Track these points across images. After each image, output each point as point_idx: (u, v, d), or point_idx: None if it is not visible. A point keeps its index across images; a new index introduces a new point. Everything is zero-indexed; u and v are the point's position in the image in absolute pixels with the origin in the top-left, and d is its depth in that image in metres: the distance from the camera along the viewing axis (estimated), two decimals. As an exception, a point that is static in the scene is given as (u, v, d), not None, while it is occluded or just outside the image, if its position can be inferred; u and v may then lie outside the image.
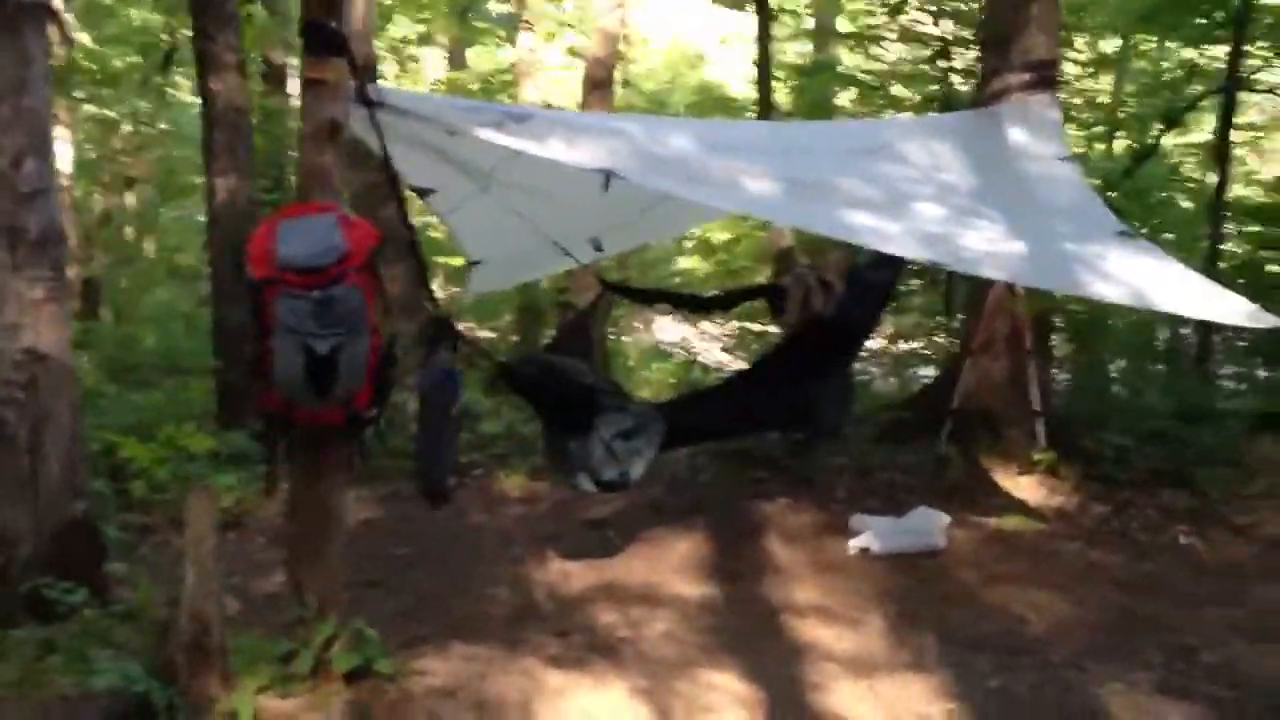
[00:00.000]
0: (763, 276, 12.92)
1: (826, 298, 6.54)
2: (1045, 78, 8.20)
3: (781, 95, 15.60)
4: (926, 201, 5.67)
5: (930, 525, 6.66)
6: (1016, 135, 6.89)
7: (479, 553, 6.81)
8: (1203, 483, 7.60)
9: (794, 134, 6.83)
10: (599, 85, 12.06)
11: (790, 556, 6.61)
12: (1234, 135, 11.98)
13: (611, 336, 13.55)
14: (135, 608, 4.95)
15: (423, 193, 5.53)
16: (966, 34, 13.39)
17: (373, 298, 4.10)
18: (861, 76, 14.58)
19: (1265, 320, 4.65)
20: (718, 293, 8.71)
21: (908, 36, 14.64)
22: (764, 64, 11.30)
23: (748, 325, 13.57)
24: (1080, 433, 8.22)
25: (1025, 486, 7.76)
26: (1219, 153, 11.28)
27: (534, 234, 6.28)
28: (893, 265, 6.78)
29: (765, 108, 11.18)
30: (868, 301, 6.60)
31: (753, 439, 7.78)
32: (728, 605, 5.86)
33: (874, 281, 6.56)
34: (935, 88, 14.82)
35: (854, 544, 6.61)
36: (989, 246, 5.20)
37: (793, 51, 17.99)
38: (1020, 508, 7.34)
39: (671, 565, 6.50)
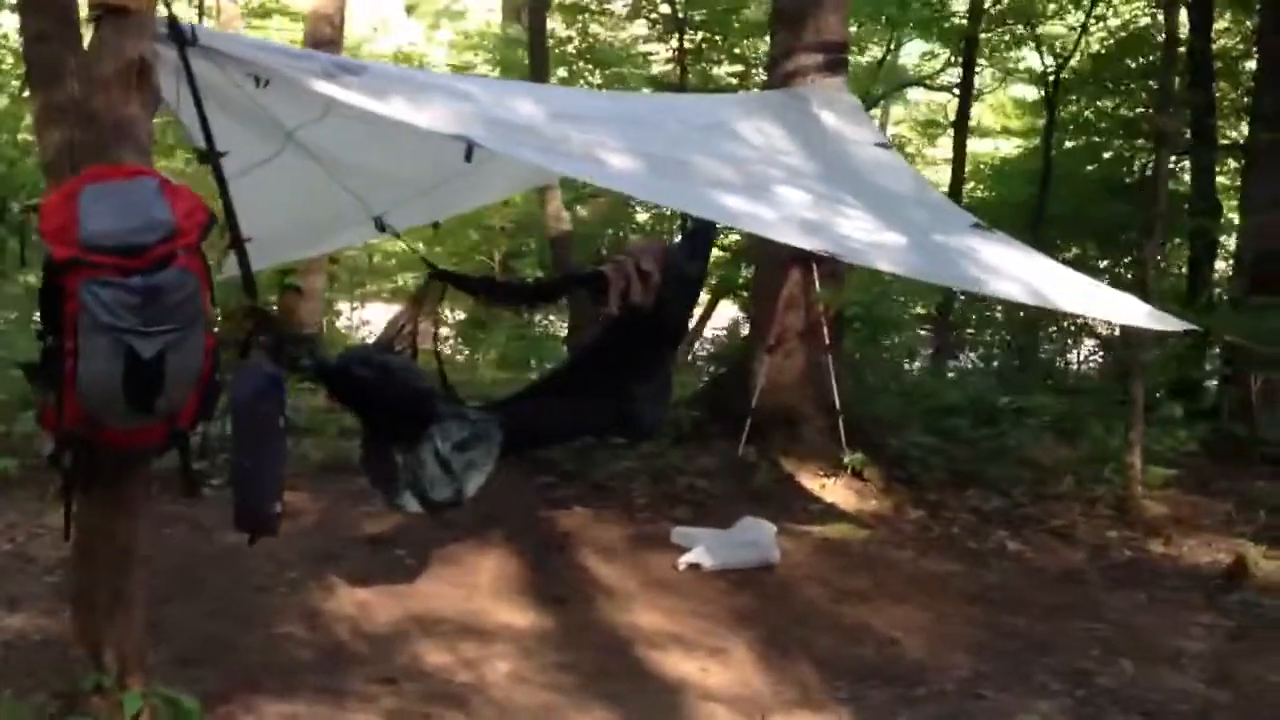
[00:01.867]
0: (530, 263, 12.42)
1: (645, 289, 6.12)
2: (838, 60, 8.21)
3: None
4: (783, 185, 5.34)
5: (761, 537, 6.38)
6: (828, 118, 6.71)
7: (247, 579, 5.90)
8: (1003, 483, 7.74)
9: (630, 106, 6.37)
10: (323, 44, 11.05)
11: (613, 575, 6.14)
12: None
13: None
14: None
15: (209, 156, 4.61)
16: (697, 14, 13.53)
17: (206, 285, 3.29)
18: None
19: (1167, 323, 4.61)
20: (542, 282, 8.08)
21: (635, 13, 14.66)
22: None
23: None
24: (878, 432, 8.19)
25: (834, 490, 7.67)
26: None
27: (320, 206, 5.48)
28: (704, 256, 6.52)
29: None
30: (684, 294, 6.30)
31: (573, 443, 7.22)
32: (568, 636, 5.31)
33: (690, 273, 6.28)
34: (668, 67, 14.90)
35: (684, 560, 6.22)
36: (869, 236, 4.94)
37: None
38: (838, 514, 7.22)
39: (483, 589, 5.88)
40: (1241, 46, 13.39)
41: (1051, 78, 12.95)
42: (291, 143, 4.71)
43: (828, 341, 8.11)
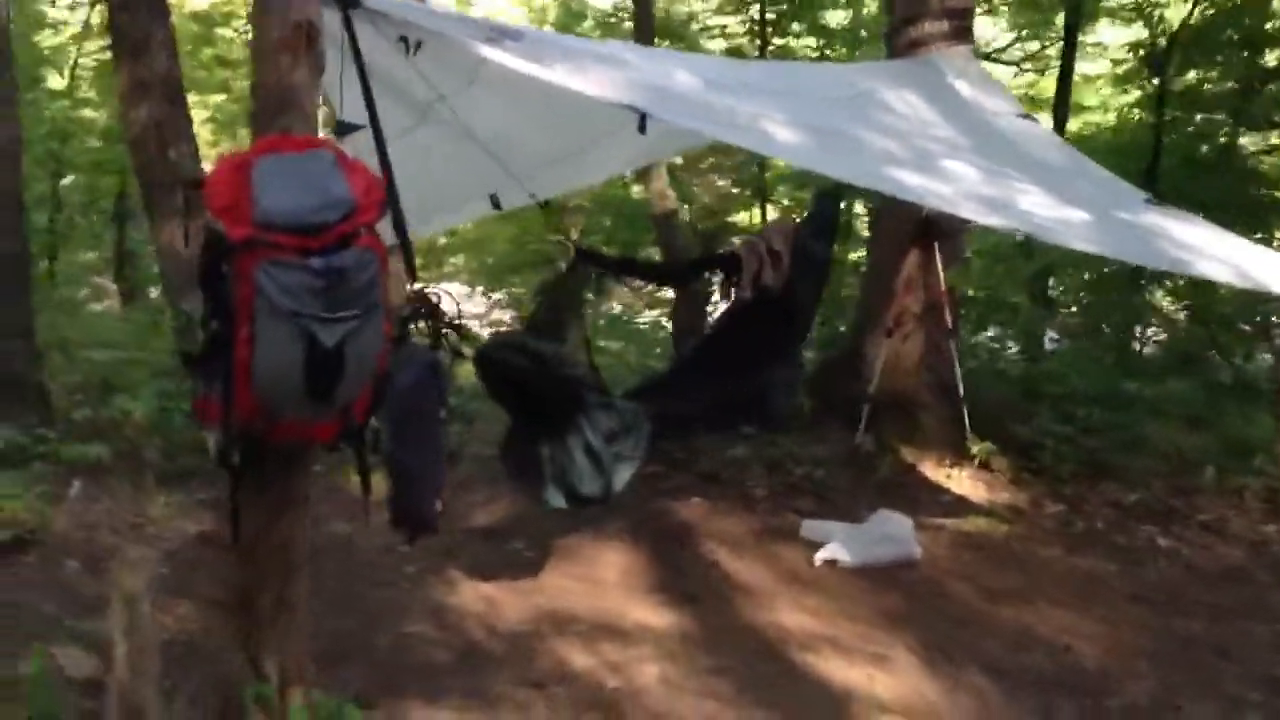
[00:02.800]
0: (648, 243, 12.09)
1: (776, 270, 5.82)
2: (963, 27, 7.81)
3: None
4: (947, 159, 5.01)
5: (900, 532, 6.08)
6: (964, 88, 6.35)
7: (366, 574, 5.71)
8: (1140, 474, 7.38)
9: (773, 74, 6.03)
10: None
11: (745, 571, 5.86)
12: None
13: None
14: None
15: (345, 129, 4.35)
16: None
17: (385, 267, 3.01)
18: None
19: None
20: (679, 263, 7.80)
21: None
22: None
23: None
24: (1003, 420, 7.83)
25: (961, 481, 7.34)
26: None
27: (444, 181, 5.22)
28: (829, 236, 6.22)
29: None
30: (812, 275, 5.99)
31: (710, 435, 6.92)
32: (711, 637, 5.03)
33: (817, 253, 5.99)
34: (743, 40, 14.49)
35: (821, 556, 5.93)
36: (1052, 213, 4.59)
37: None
38: (971, 507, 6.89)
39: (611, 585, 5.63)
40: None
41: (1160, 43, 12.39)
42: (432, 114, 4.46)
43: (950, 325, 7.75)
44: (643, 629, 5.07)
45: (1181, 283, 10.06)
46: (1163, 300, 10.77)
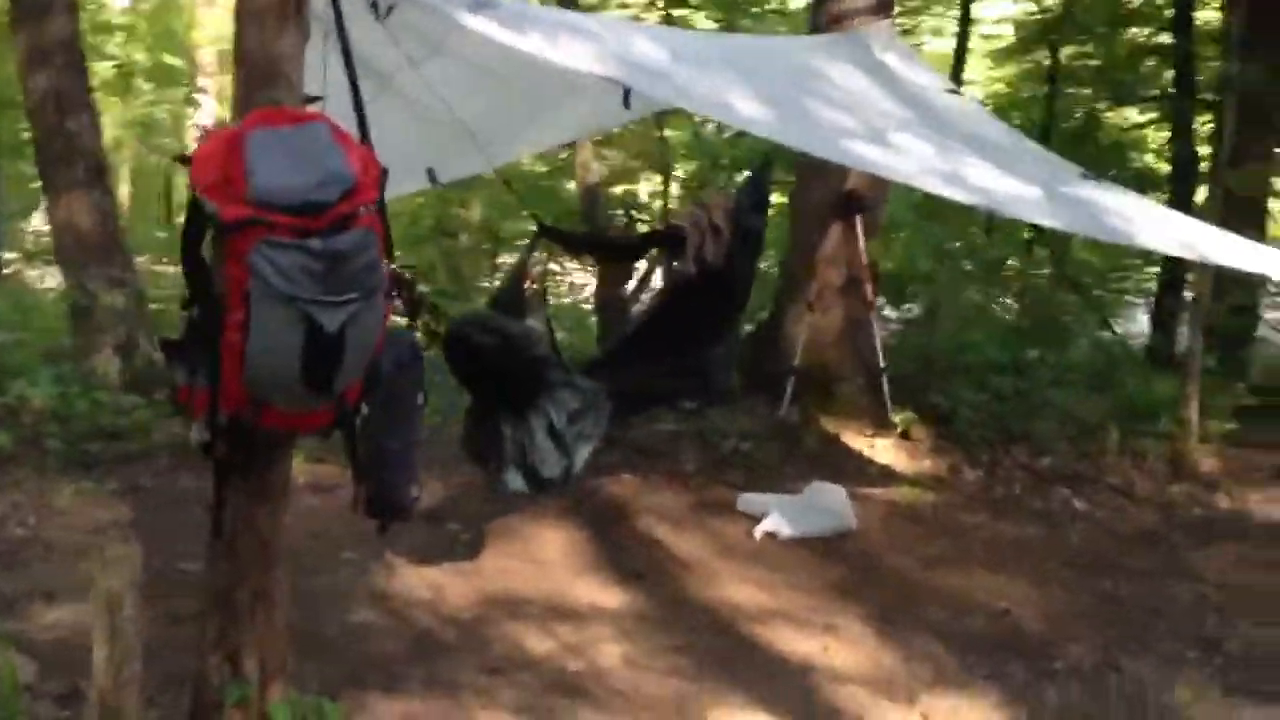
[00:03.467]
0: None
1: (717, 244, 5.84)
2: (885, 1, 7.90)
3: None
4: (896, 133, 5.07)
5: (837, 503, 6.19)
6: (893, 62, 6.41)
7: (300, 561, 5.48)
8: (1049, 439, 7.62)
9: (719, 46, 6.02)
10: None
11: (687, 546, 5.90)
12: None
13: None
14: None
15: (306, 100, 4.25)
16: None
17: (385, 247, 2.93)
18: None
19: None
20: (629, 239, 7.73)
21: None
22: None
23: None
24: (920, 390, 8.01)
25: (883, 451, 7.48)
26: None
27: (393, 155, 5.12)
28: (764, 208, 6.27)
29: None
30: (749, 248, 6.01)
31: (653, 410, 6.90)
32: (664, 614, 5.06)
33: (753, 226, 6.00)
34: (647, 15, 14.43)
35: (760, 529, 6.00)
36: (1005, 188, 4.70)
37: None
38: (896, 476, 7.05)
39: (554, 565, 5.61)
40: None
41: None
42: (390, 86, 4.38)
43: (870, 298, 7.88)
44: (595, 609, 5.07)
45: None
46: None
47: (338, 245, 2.68)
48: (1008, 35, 14.70)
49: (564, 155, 11.78)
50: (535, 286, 5.05)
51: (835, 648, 4.71)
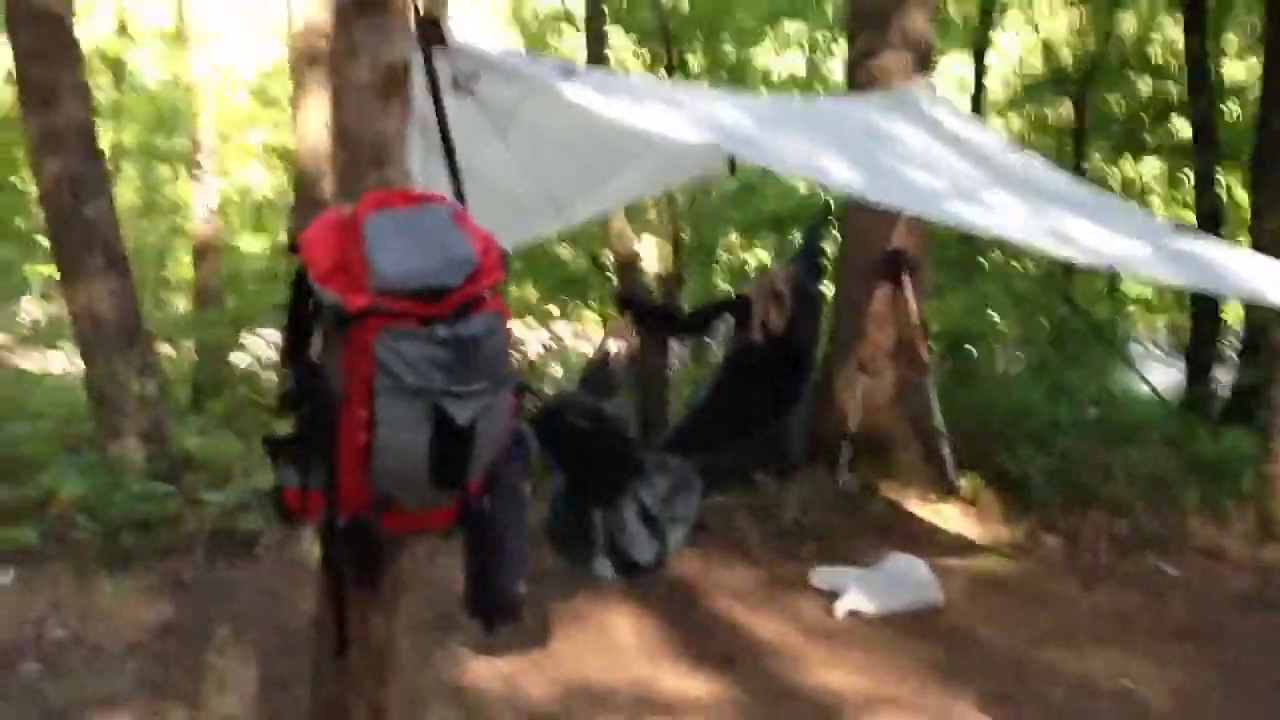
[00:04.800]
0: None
1: (780, 311, 5.61)
2: (925, 59, 7.76)
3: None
4: (987, 191, 4.86)
5: (921, 576, 5.88)
6: (948, 120, 6.23)
7: (361, 656, 5.20)
8: (1122, 501, 7.31)
9: (785, 108, 5.82)
10: (318, 60, 10.25)
11: (767, 627, 5.58)
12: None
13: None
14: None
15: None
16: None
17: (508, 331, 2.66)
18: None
19: None
20: (698, 310, 7.51)
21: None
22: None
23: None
24: (982, 453, 7.72)
25: (952, 518, 7.19)
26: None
27: (530, 190, 4.97)
28: (820, 271, 6.07)
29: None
30: (810, 313, 5.80)
31: (732, 486, 6.60)
32: (761, 703, 4.73)
33: (812, 291, 5.84)
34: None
35: (842, 607, 5.68)
36: (1113, 247, 4.46)
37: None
38: (971, 544, 6.74)
39: (631, 651, 5.28)
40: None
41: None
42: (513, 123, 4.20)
43: (924, 359, 7.62)
44: (686, 700, 4.73)
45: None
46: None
47: (466, 332, 2.44)
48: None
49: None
50: (621, 363, 4.77)
51: (955, 737, 4.37)
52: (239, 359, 12.27)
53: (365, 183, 2.79)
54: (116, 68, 15.91)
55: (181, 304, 15.76)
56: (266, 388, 10.72)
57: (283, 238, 14.47)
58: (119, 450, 7.00)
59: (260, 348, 12.67)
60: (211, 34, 13.24)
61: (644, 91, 4.02)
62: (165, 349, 11.49)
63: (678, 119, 3.87)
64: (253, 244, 16.88)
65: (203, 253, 12.53)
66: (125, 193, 16.18)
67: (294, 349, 2.64)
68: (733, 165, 3.62)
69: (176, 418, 7.54)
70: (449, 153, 3.26)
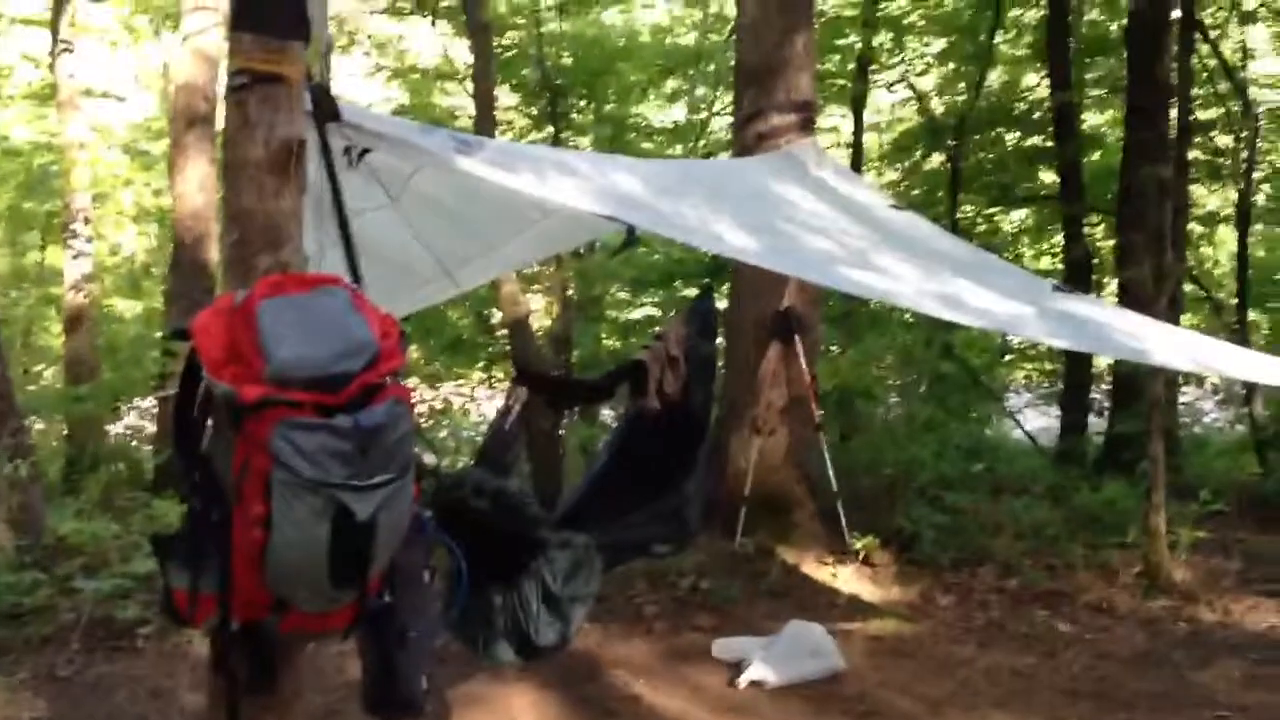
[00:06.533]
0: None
1: (675, 376, 5.57)
2: (808, 119, 7.88)
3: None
4: (877, 254, 4.90)
5: (821, 644, 5.85)
6: (833, 180, 6.31)
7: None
8: (1011, 556, 7.43)
9: (677, 173, 5.80)
10: (197, 120, 10.05)
11: (672, 702, 5.50)
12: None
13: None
14: None
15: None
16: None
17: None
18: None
19: None
20: (596, 380, 7.38)
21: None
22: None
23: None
24: (875, 511, 7.78)
25: (848, 579, 7.22)
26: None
27: (424, 258, 4.86)
28: (712, 334, 6.05)
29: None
30: (704, 376, 5.75)
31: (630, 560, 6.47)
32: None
33: (705, 353, 5.76)
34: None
35: (745, 679, 5.63)
36: (1000, 308, 4.53)
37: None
38: (867, 607, 6.76)
39: (540, 735, 5.14)
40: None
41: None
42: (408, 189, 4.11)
43: (816, 418, 7.67)
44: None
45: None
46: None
47: (368, 422, 2.34)
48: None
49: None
50: (518, 434, 4.69)
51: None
52: (114, 432, 11.87)
53: (259, 266, 2.67)
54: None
55: (50, 376, 15.20)
56: (144, 464, 10.36)
57: (159, 303, 14.05)
58: (-14, 536, 6.67)
59: (135, 421, 12.27)
60: (83, 92, 12.76)
61: (541, 162, 3.95)
62: (36, 424, 11.05)
63: (579, 189, 3.84)
64: (128, 309, 16.33)
65: (75, 322, 12.04)
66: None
67: (183, 442, 2.51)
68: (631, 233, 3.58)
69: (48, 499, 7.19)
70: (344, 229, 3.17)
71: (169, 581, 2.58)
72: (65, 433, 11.39)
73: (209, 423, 2.50)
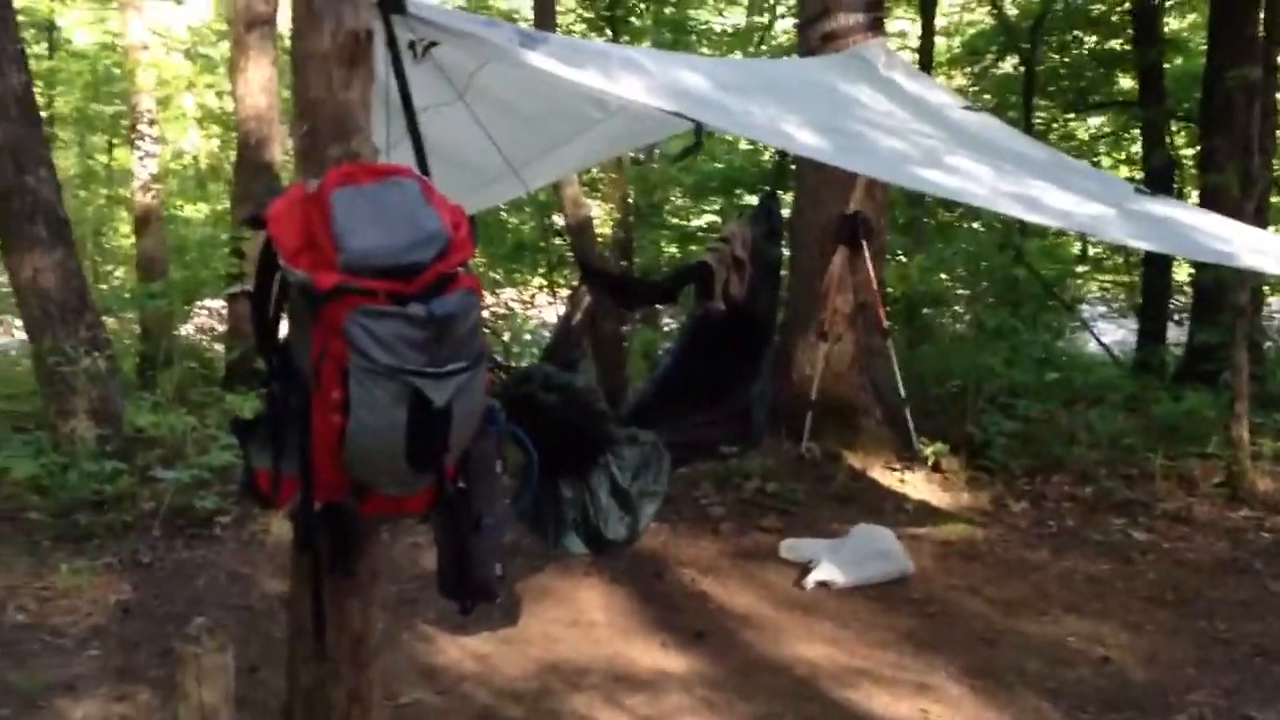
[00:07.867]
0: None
1: (740, 279, 5.54)
2: (877, 19, 7.70)
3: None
4: (950, 155, 4.81)
5: (890, 547, 5.87)
6: (904, 81, 6.16)
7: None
8: (1087, 465, 7.37)
9: (748, 72, 5.73)
10: (258, 22, 10.02)
11: (739, 599, 5.56)
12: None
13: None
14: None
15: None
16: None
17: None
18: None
19: None
20: (662, 279, 7.39)
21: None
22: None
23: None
24: (945, 419, 7.74)
25: (917, 485, 7.21)
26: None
27: (489, 157, 4.86)
28: (778, 236, 6.00)
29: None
30: (772, 280, 5.74)
31: (699, 461, 6.52)
32: (737, 678, 4.69)
33: (771, 256, 5.73)
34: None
35: (812, 579, 5.67)
36: (1080, 209, 4.44)
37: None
38: (938, 512, 6.76)
39: (603, 628, 5.24)
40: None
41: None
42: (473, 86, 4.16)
43: (884, 324, 7.61)
44: (661, 675, 4.69)
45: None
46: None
47: (441, 310, 2.35)
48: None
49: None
50: (583, 333, 4.71)
51: (936, 711, 4.35)
52: (185, 331, 12.08)
53: (330, 156, 2.67)
54: (48, 31, 15.49)
55: (122, 276, 15.44)
56: (216, 362, 10.56)
57: (225, 205, 14.18)
58: (70, 428, 6.85)
59: (205, 321, 12.48)
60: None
61: (608, 58, 3.92)
62: (109, 323, 11.28)
63: (644, 86, 3.80)
64: (194, 212, 16.51)
65: (145, 223, 12.24)
66: (62, 161, 15.85)
67: (262, 329, 2.56)
68: (698, 130, 3.53)
69: (125, 394, 7.35)
70: (412, 123, 3.14)
71: (251, 463, 2.64)
72: (138, 330, 11.59)
73: (285, 309, 2.54)
